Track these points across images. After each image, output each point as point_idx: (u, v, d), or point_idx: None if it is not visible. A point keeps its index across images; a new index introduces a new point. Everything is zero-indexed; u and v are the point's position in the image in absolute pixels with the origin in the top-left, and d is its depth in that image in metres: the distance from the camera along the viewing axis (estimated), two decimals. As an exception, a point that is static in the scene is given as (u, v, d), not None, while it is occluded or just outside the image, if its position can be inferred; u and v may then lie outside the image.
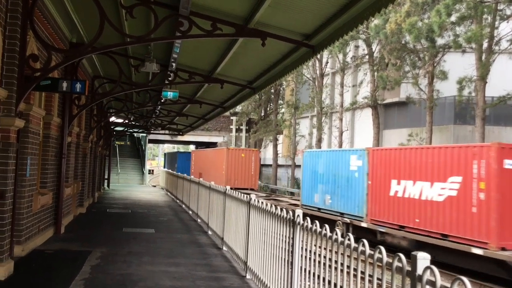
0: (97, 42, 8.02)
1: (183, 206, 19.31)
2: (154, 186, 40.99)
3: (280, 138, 46.05)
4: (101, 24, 7.68)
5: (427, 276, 3.00)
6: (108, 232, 12.18)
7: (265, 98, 44.27)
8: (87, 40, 11.53)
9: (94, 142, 19.97)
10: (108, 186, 31.63)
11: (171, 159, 54.71)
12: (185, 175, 20.26)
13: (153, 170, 59.64)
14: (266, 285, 6.53)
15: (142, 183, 41.72)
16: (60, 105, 11.37)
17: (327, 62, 37.36)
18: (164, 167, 58.09)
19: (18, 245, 8.40)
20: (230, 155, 33.13)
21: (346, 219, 18.48)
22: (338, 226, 18.15)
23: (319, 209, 20.67)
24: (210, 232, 12.33)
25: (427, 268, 3.00)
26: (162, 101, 16.87)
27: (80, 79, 10.73)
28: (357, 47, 34.77)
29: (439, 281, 2.86)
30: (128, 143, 44.52)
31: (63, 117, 11.51)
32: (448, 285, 2.77)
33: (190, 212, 16.87)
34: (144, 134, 42.74)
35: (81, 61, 12.24)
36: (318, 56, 33.80)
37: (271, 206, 6.60)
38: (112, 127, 27.90)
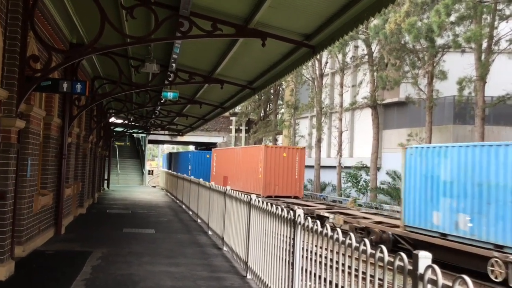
0: (97, 43, 8.03)
1: (183, 206, 19.31)
2: (154, 186, 40.99)
3: (280, 138, 46.04)
4: (101, 24, 7.69)
5: (429, 275, 3.01)
6: (109, 232, 12.19)
7: (264, 98, 44.26)
8: (87, 41, 11.54)
9: (94, 143, 19.98)
10: (108, 186, 31.62)
11: (178, 160, 48.58)
12: (184, 175, 20.21)
13: (152, 171, 59.61)
14: (267, 285, 6.54)
15: (142, 184, 41.72)
16: (60, 105, 11.38)
17: (326, 62, 37.37)
18: (169, 168, 53.41)
19: (19, 246, 8.41)
20: (269, 155, 26.78)
21: (510, 254, 12.02)
22: (492, 265, 12.37)
23: (444, 235, 14.06)
24: (210, 232, 12.34)
25: (428, 267, 3.01)
26: (162, 101, 16.89)
27: (80, 80, 10.73)
28: (356, 47, 34.79)
29: (441, 280, 2.87)
30: (128, 143, 44.52)
31: (63, 117, 11.51)
32: (450, 283, 2.78)
33: (190, 213, 16.87)
34: (144, 135, 42.71)
35: (81, 62, 12.25)
36: (318, 56, 33.81)
37: (271, 206, 6.61)
38: (112, 127, 27.92)
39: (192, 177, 16.92)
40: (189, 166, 40.97)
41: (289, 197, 26.27)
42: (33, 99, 8.79)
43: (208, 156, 40.11)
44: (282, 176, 26.72)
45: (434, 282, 2.93)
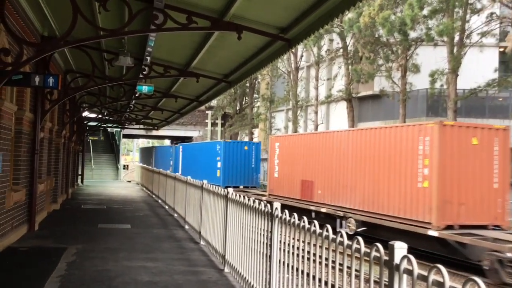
0: (70, 36, 7.88)
1: (159, 201, 19.19)
2: (129, 181, 40.59)
3: (256, 131, 46.09)
4: (73, 17, 7.54)
5: (404, 265, 3.06)
6: (83, 228, 12.04)
7: (240, 92, 44.19)
8: (60, 34, 11.30)
9: (67, 138, 19.67)
10: (82, 182, 31.21)
11: (163, 155, 42.47)
12: (160, 169, 20.06)
13: (128, 166, 59.00)
14: (245, 278, 6.56)
15: (117, 179, 41.30)
16: (32, 100, 11.15)
17: (302, 56, 37.47)
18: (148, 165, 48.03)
19: (-9, 243, 8.24)
20: (447, 141, 13.45)
21: None
22: None
23: None
24: (187, 227, 12.30)
25: (404, 257, 3.06)
26: (136, 95, 16.71)
27: (52, 74, 10.52)
28: (331, 40, 34.95)
29: (416, 269, 2.92)
30: (102, 138, 43.92)
31: (35, 112, 11.29)
32: (425, 273, 2.83)
33: (167, 207, 16.78)
34: (118, 129, 42.23)
35: (53, 55, 12.02)
36: (293, 49, 33.86)
37: (248, 199, 6.62)
38: (85, 122, 27.53)
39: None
40: (217, 164, 27.39)
41: (485, 226, 13.59)
42: (4, 93, 8.59)
43: (246, 148, 27.50)
44: (471, 184, 13.55)
45: (409, 272, 2.98)
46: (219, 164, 27.08)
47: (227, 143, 27.59)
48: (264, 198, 21.45)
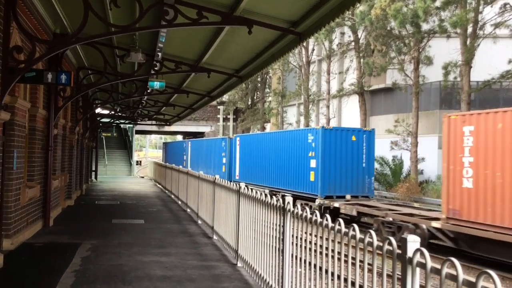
0: (82, 33, 7.93)
1: (172, 196, 19.28)
2: (142, 177, 40.86)
3: (268, 126, 46.06)
4: (85, 14, 7.59)
5: (417, 258, 3.04)
6: (97, 224, 12.14)
7: (251, 86, 44.18)
8: (71, 31, 11.38)
9: (81, 134, 19.82)
10: (96, 178, 31.46)
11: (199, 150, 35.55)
12: (173, 165, 20.13)
13: (141, 161, 59.35)
14: (257, 273, 6.57)
15: (130, 174, 41.56)
16: (45, 97, 11.25)
17: (313, 50, 37.32)
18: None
19: (7, 239, 8.34)
20: None
21: None
22: None
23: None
24: (200, 222, 12.35)
25: (417, 250, 3.04)
26: (148, 91, 16.76)
27: (65, 70, 10.60)
28: (342, 34, 34.76)
29: (429, 263, 2.90)
30: (115, 134, 44.21)
31: (48, 109, 11.39)
32: (438, 266, 2.81)
33: (180, 202, 16.86)
34: (131, 125, 42.45)
35: (66, 52, 12.10)
36: (304, 43, 33.75)
37: (260, 194, 6.62)
38: (98, 118, 27.69)
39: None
40: (310, 163, 19.21)
41: None
42: (18, 91, 8.67)
43: (354, 138, 19.12)
44: None
45: (422, 265, 2.96)
46: (313, 163, 18.92)
47: (327, 131, 18.74)
48: (434, 224, 13.28)
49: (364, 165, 19.14)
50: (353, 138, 19.08)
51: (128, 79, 14.41)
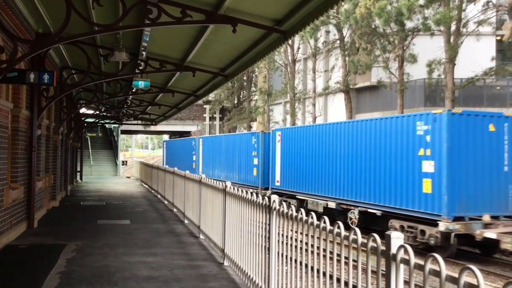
0: (64, 32, 7.84)
1: (159, 196, 19.20)
2: (128, 177, 40.60)
3: (254, 125, 46.06)
4: (67, 13, 7.50)
5: (401, 254, 3.06)
6: (83, 224, 12.04)
7: (237, 85, 44.10)
8: (54, 30, 11.25)
9: (65, 134, 19.64)
10: (81, 178, 31.21)
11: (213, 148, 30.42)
12: (159, 165, 19.98)
13: (126, 161, 58.97)
14: (244, 271, 6.57)
15: (116, 175, 41.29)
16: (28, 97, 11.12)
17: (298, 48, 37.38)
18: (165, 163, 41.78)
19: (-10, 241, 8.24)
20: None
21: None
22: None
23: None
24: (186, 221, 12.31)
25: (401, 247, 3.06)
26: (133, 90, 16.67)
27: (48, 70, 10.49)
28: (328, 32, 34.88)
29: (413, 259, 2.92)
30: (100, 134, 43.83)
31: (31, 109, 11.26)
32: (422, 262, 2.83)
33: (166, 202, 16.79)
34: (116, 125, 42.16)
35: (48, 52, 11.97)
36: (290, 42, 33.78)
37: (246, 193, 6.62)
38: (82, 118, 27.46)
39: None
40: (422, 166, 13.77)
41: None
42: (0, 91, 8.56)
43: (492, 127, 13.64)
44: None
45: (406, 262, 2.98)
46: (427, 166, 13.39)
47: (455, 118, 13.09)
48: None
49: (506, 168, 13.51)
50: (491, 128, 13.42)
51: (112, 78, 14.29)
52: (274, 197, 5.65)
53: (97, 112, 26.84)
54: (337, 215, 17.29)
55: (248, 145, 24.70)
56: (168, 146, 45.98)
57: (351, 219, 16.58)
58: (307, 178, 19.53)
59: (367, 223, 16.09)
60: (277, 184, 21.81)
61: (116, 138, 45.19)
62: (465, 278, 2.50)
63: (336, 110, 36.34)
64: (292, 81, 36.56)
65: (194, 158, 34.11)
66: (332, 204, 17.66)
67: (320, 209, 18.05)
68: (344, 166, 17.19)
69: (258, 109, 41.81)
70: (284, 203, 5.31)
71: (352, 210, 16.59)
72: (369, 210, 15.61)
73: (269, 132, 23.85)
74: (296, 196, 20.30)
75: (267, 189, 22.72)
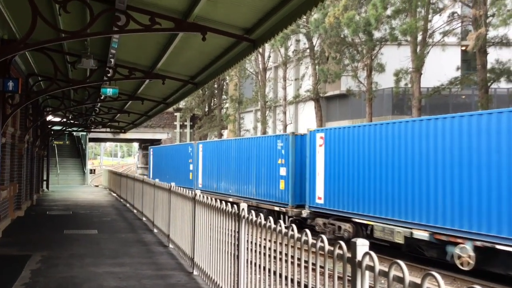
0: (30, 39, 7.71)
1: (128, 205, 18.94)
2: (97, 186, 39.95)
3: (225, 133, 46.01)
4: (33, 19, 7.38)
5: (366, 261, 3.10)
6: (49, 235, 11.78)
7: (208, 93, 44.03)
8: (19, 37, 11.03)
9: (31, 143, 19.22)
10: (48, 187, 30.54)
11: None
12: (128, 173, 19.68)
13: (95, 170, 58.04)
14: (213, 280, 6.53)
15: (84, 183, 40.58)
16: (-8, 104, 10.85)
17: (269, 56, 37.62)
18: (151, 175, 36.93)
19: (-49, 253, 7.98)
20: None
21: None
22: None
23: None
24: (155, 230, 12.18)
25: (366, 254, 3.10)
26: (101, 98, 16.44)
27: (13, 77, 10.27)
28: (298, 41, 35.18)
29: (378, 266, 2.96)
30: (67, 142, 43.04)
31: (-4, 117, 10.98)
32: (386, 269, 2.87)
33: (135, 211, 16.58)
34: (84, 133, 41.49)
35: (14, 59, 11.71)
36: (260, 50, 33.98)
37: (215, 201, 6.60)
38: (49, 126, 26.93)
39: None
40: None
41: None
42: (-38, 98, 8.34)
43: None
44: None
45: (371, 268, 3.02)
46: None
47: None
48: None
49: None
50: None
51: (80, 85, 14.08)
52: (243, 205, 5.65)
53: (65, 120, 26.35)
54: (428, 249, 12.94)
55: (272, 151, 19.69)
56: (155, 153, 38.50)
57: (460, 257, 11.83)
58: (372, 195, 14.53)
59: (490, 265, 11.52)
60: (319, 201, 16.82)
61: (84, 146, 44.45)
62: (428, 284, 2.55)
63: (306, 118, 36.62)
64: (263, 89, 36.72)
65: (191, 168, 29.13)
66: (421, 234, 12.71)
67: (399, 239, 13.40)
68: (447, 179, 12.16)
69: (229, 117, 41.81)
70: (253, 212, 5.32)
71: (462, 245, 11.77)
72: (498, 247, 10.86)
73: (302, 134, 19.01)
74: (352, 219, 15.16)
75: (301, 207, 17.81)
